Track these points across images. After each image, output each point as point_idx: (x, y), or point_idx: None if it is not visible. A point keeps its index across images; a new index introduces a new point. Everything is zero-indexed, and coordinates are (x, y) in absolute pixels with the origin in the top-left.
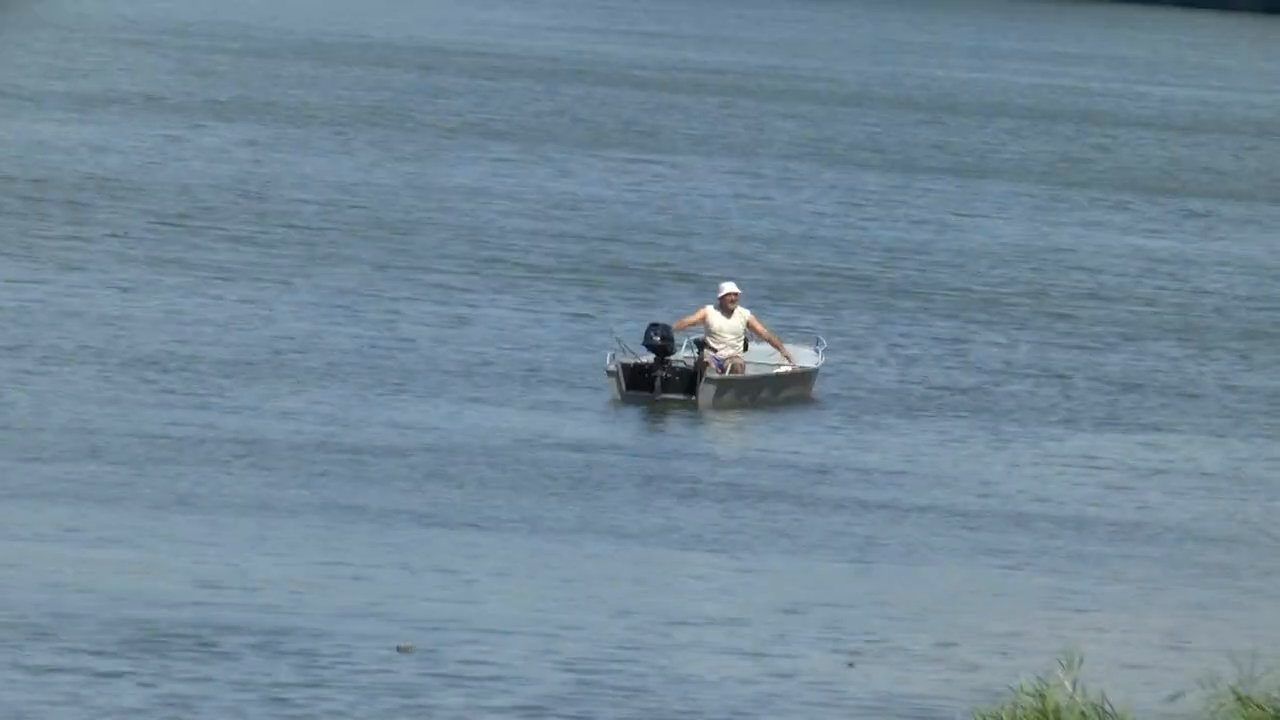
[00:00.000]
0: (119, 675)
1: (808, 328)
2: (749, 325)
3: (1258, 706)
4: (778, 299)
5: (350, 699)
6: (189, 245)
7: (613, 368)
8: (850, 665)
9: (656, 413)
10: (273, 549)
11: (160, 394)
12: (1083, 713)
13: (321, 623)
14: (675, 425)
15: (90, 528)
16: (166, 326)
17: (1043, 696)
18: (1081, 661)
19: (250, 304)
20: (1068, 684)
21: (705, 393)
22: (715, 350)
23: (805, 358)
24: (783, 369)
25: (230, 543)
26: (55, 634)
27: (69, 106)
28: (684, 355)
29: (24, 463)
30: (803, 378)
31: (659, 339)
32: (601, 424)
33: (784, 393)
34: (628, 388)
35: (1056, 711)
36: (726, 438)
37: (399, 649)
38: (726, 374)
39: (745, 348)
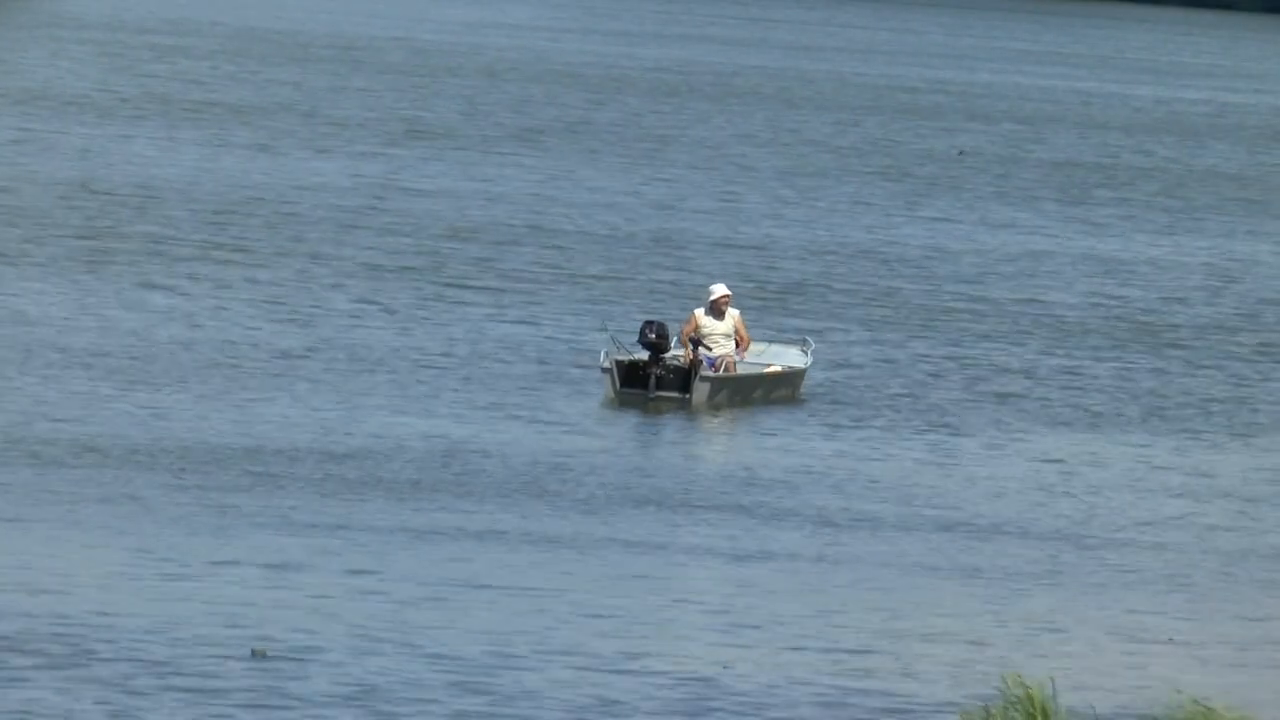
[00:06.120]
0: None
1: (796, 330)
2: (735, 327)
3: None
4: (768, 302)
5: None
6: (171, 251)
7: (607, 365)
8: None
9: (651, 412)
10: (253, 557)
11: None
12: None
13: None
14: (669, 426)
15: None
16: (162, 328)
17: (1029, 697)
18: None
19: (233, 306)
20: (1047, 686)
21: (700, 391)
22: (709, 350)
23: (794, 359)
24: (773, 369)
25: (194, 548)
26: None
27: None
28: (677, 352)
29: None
30: (792, 378)
31: (654, 336)
32: (596, 424)
33: (775, 392)
34: (622, 385)
35: (1044, 711)
36: (720, 440)
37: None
38: (720, 373)
39: (737, 347)
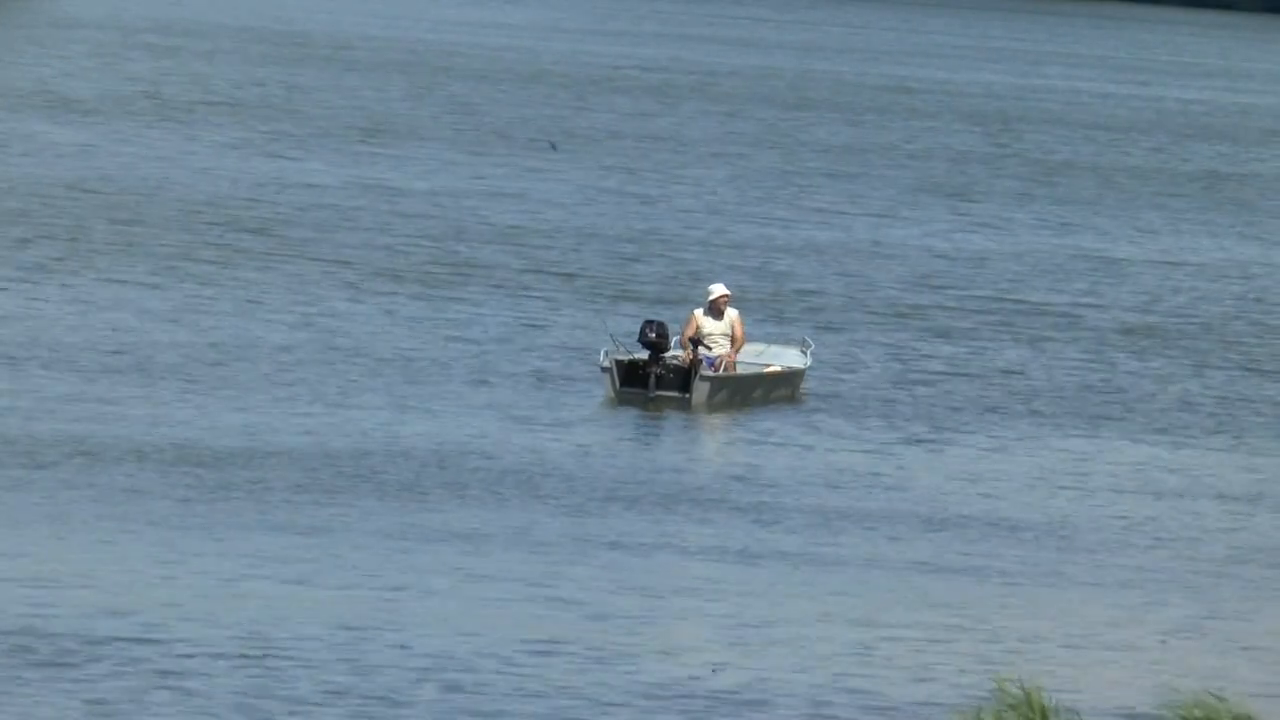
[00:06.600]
0: None
1: (795, 330)
2: (732, 324)
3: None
4: (767, 302)
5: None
6: (172, 251)
7: (607, 365)
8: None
9: (651, 412)
10: (239, 556)
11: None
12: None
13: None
14: (669, 426)
15: None
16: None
17: (1028, 698)
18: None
19: (229, 306)
20: (1043, 687)
21: (700, 390)
22: (709, 350)
23: (793, 359)
24: (773, 369)
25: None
26: None
27: None
28: (676, 352)
29: None
30: (792, 378)
31: (654, 335)
32: (596, 424)
33: (774, 392)
34: (622, 385)
35: (1042, 712)
36: (720, 440)
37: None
38: (720, 373)
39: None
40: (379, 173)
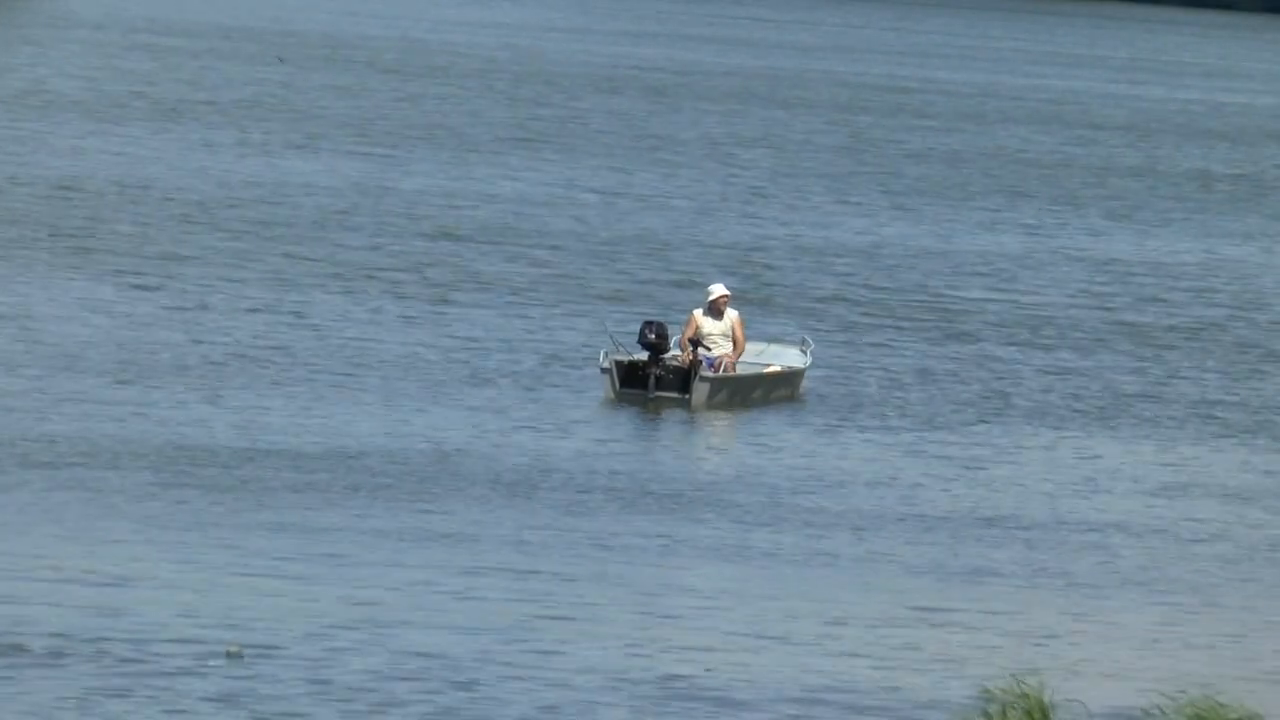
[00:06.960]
0: None
1: (795, 331)
2: (732, 326)
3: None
4: (767, 302)
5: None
6: (165, 248)
7: (607, 365)
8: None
9: (651, 412)
10: (245, 554)
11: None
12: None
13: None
14: (669, 426)
15: None
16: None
17: (1027, 697)
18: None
19: (228, 307)
20: (1044, 686)
21: (699, 391)
22: (709, 350)
23: (793, 359)
24: (772, 369)
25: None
26: None
27: None
28: (676, 352)
29: None
30: (792, 378)
31: (654, 336)
32: (596, 424)
33: (774, 392)
34: (622, 385)
35: (1043, 711)
36: (720, 440)
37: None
38: (719, 373)
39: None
40: (377, 173)
